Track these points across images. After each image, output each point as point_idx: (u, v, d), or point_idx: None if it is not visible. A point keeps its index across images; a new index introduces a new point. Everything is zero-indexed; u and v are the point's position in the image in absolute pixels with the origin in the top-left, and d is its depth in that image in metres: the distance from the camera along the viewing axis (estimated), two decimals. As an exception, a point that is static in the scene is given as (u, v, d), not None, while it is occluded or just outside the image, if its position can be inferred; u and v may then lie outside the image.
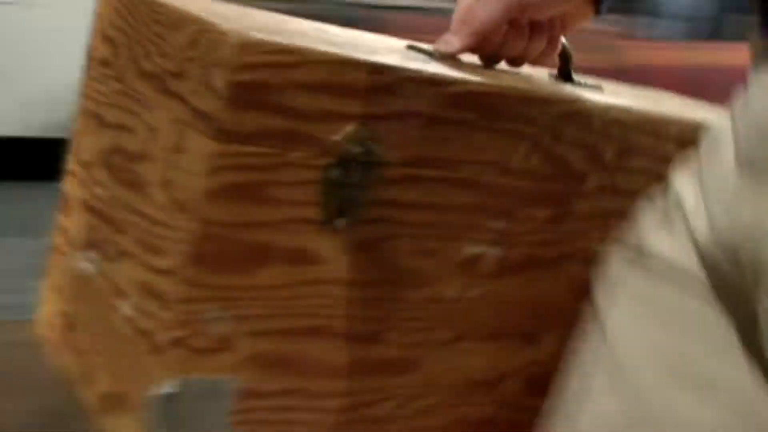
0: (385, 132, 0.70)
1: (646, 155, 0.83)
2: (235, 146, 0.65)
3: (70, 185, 0.83)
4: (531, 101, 0.76)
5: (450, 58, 0.81)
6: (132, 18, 0.76)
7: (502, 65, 0.85)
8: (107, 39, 0.80)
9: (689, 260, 0.69)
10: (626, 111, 0.81)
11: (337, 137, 0.68)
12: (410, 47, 0.83)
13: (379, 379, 0.75)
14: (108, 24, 0.80)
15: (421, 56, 0.79)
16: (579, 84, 0.90)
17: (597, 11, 0.86)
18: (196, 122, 0.66)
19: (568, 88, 0.83)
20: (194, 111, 0.67)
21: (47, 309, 0.85)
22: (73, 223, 0.82)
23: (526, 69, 0.86)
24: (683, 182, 0.72)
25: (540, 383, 0.83)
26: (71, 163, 0.83)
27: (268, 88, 0.65)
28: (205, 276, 0.66)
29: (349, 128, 0.69)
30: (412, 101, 0.71)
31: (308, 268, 0.70)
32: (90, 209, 0.79)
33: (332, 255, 0.71)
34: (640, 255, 0.72)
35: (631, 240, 0.74)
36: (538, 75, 0.88)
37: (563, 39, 0.89)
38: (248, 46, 0.64)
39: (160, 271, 0.68)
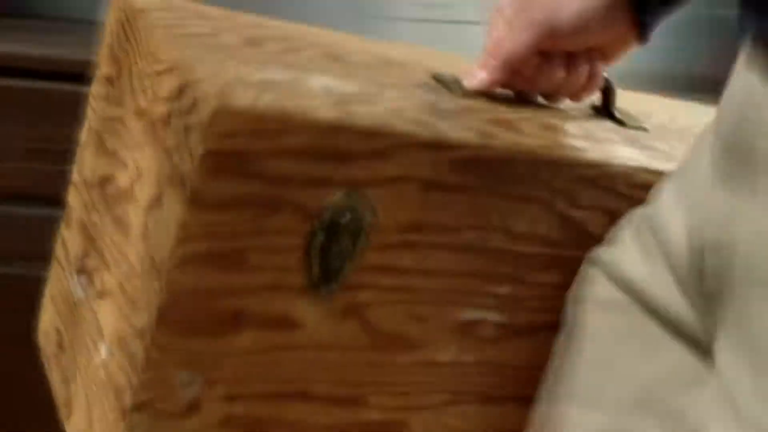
0: (378, 197, 0.66)
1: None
2: (209, 215, 0.62)
3: (72, 198, 0.81)
4: (542, 164, 0.71)
5: (478, 94, 0.76)
6: (135, 45, 0.73)
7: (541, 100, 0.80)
8: (113, 58, 0.76)
9: (660, 284, 0.67)
10: (656, 173, 0.76)
11: (323, 204, 0.65)
12: (436, 78, 0.78)
13: (362, 442, 0.73)
14: (116, 41, 0.77)
15: (444, 94, 0.74)
16: (621, 123, 0.84)
17: (641, 38, 0.79)
18: (175, 182, 0.63)
19: (597, 144, 0.77)
20: (174, 169, 0.63)
21: (46, 318, 0.83)
22: (71, 238, 0.80)
23: (568, 103, 0.81)
24: (663, 191, 0.70)
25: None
26: (75, 176, 0.81)
27: (249, 155, 0.62)
28: (174, 340, 0.64)
29: (337, 194, 0.65)
30: (409, 167, 0.66)
31: (287, 333, 0.67)
32: (85, 232, 0.77)
33: (314, 320, 0.68)
34: (612, 275, 0.71)
35: (604, 257, 0.72)
36: (577, 112, 0.82)
37: (605, 72, 0.83)
38: (228, 113, 0.60)
39: (133, 328, 0.66)
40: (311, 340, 0.68)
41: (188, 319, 0.64)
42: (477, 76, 0.78)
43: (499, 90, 0.79)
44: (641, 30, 0.78)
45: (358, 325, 0.69)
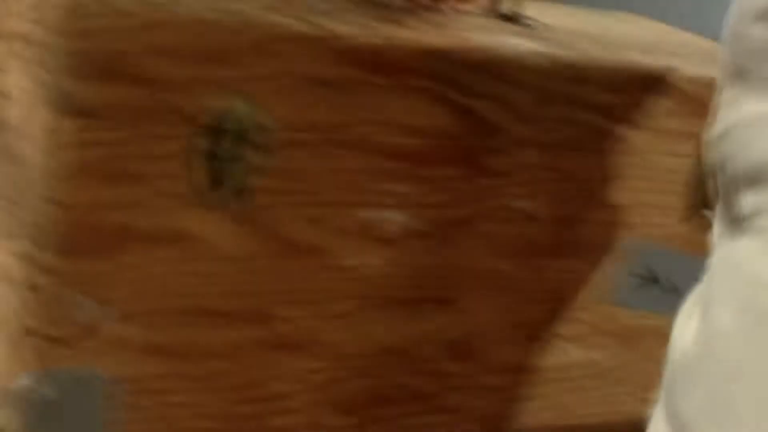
0: (260, 96, 0.64)
1: (567, 103, 0.76)
2: (82, 121, 0.59)
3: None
4: (428, 53, 0.69)
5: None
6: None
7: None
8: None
9: None
10: (544, 57, 0.74)
11: (202, 106, 0.62)
12: None
13: (273, 357, 0.70)
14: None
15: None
16: (510, 20, 0.83)
17: None
18: (41, 94, 0.60)
19: (484, 34, 0.76)
20: (39, 81, 0.61)
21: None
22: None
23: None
24: None
25: (461, 347, 0.79)
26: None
27: (115, 55, 0.59)
28: (60, 261, 0.61)
29: (217, 95, 0.62)
30: (289, 62, 0.64)
31: (179, 246, 0.65)
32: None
33: (207, 230, 0.65)
34: None
35: None
36: (464, 14, 0.80)
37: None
38: (85, 9, 0.58)
39: (17, 254, 0.63)
40: (206, 251, 0.66)
41: (72, 238, 0.61)
42: None
43: None
44: None
45: (256, 232, 0.67)
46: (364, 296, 0.73)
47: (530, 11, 0.91)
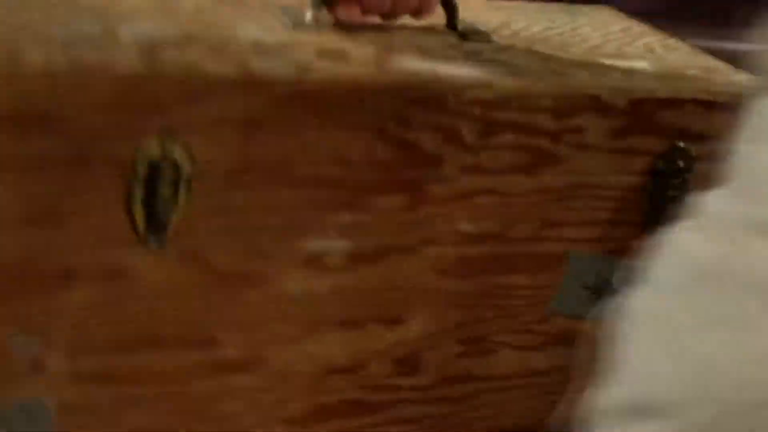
0: (196, 143, 0.66)
1: (513, 131, 0.78)
2: (18, 177, 0.62)
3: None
4: (367, 92, 0.71)
5: (316, 26, 0.76)
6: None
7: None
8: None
9: None
10: (488, 87, 0.76)
11: (137, 155, 0.65)
12: (271, 11, 0.78)
13: (220, 379, 0.74)
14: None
15: (275, 28, 0.74)
16: (464, 37, 0.84)
17: None
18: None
19: (428, 62, 0.77)
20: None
21: None
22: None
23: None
24: None
25: (408, 362, 0.82)
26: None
27: (50, 114, 0.62)
28: (3, 303, 0.65)
29: (151, 144, 0.65)
30: (224, 109, 0.67)
31: (122, 285, 0.68)
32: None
33: (148, 269, 0.68)
34: None
35: None
36: (421, 31, 0.82)
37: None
38: (18, 75, 0.60)
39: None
40: (149, 289, 0.69)
41: (15, 281, 0.64)
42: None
43: (342, 19, 0.79)
44: None
45: (197, 269, 0.70)
46: (309, 320, 0.76)
47: (497, 13, 0.93)
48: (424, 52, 0.79)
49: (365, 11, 0.80)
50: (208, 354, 0.73)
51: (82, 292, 0.66)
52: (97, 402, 0.70)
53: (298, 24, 0.77)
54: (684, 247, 0.51)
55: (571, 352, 0.88)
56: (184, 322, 0.71)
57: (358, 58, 0.74)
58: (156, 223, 0.67)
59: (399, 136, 0.73)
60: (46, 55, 0.62)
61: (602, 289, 0.87)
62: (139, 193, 0.66)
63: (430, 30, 0.84)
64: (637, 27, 0.99)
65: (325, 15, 0.79)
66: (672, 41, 0.97)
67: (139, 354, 0.70)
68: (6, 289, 0.64)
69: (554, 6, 1.02)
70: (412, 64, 0.76)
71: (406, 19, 0.82)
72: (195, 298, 0.71)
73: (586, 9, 1.03)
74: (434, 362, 0.83)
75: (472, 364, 0.84)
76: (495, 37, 0.85)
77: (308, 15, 0.78)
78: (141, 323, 0.69)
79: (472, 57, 0.80)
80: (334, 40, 0.76)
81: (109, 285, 0.67)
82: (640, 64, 0.88)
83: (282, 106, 0.68)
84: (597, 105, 0.80)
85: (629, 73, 0.85)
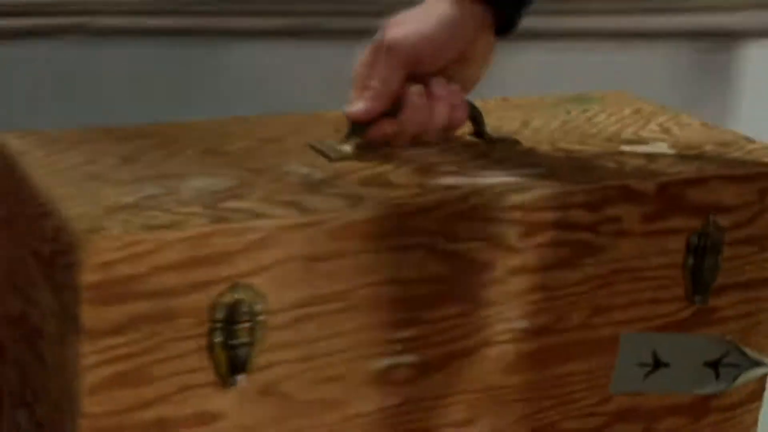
0: (265, 284, 0.71)
1: (553, 228, 0.82)
2: (105, 341, 0.67)
3: (2, 333, 0.86)
4: (414, 214, 0.76)
5: (355, 155, 0.81)
6: (18, 188, 0.77)
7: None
8: (4, 201, 0.81)
9: None
10: (524, 191, 0.80)
11: (213, 303, 0.69)
12: (313, 148, 0.84)
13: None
14: (2, 185, 0.81)
15: (317, 163, 0.79)
16: (492, 143, 0.89)
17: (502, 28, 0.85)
18: (68, 317, 0.68)
19: (463, 177, 0.82)
20: (65, 305, 0.68)
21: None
22: (6, 372, 0.85)
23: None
24: None
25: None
26: (1, 312, 0.86)
27: (130, 279, 0.66)
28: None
29: (225, 292, 0.70)
30: (287, 249, 0.71)
31: (211, 426, 0.72)
32: (18, 366, 0.82)
33: (232, 407, 0.72)
34: None
35: None
36: (450, 144, 0.87)
37: (469, 101, 0.88)
38: (99, 247, 0.65)
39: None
40: (235, 425, 0.73)
41: (114, 436, 0.68)
42: (357, 105, 0.83)
43: (377, 144, 0.84)
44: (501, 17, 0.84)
45: (276, 401, 0.74)
46: (384, 434, 0.80)
47: (515, 113, 0.98)
48: (460, 165, 0.83)
49: (401, 132, 0.85)
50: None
51: (173, 438, 0.70)
52: None
53: (336, 156, 0.82)
54: None
55: (632, 427, 0.92)
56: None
57: (399, 181, 0.79)
58: (237, 364, 0.71)
59: (448, 249, 0.78)
60: (123, 224, 0.67)
61: (657, 363, 0.90)
62: (219, 339, 0.70)
63: (459, 140, 0.89)
64: (647, 107, 1.04)
65: (360, 142, 0.84)
66: (683, 117, 1.02)
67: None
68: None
69: (566, 96, 1.07)
70: (451, 180, 0.81)
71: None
72: (276, 427, 0.74)
73: (596, 94, 1.08)
74: (507, 456, 0.86)
75: (544, 453, 0.88)
76: (520, 139, 0.91)
77: (345, 146, 0.83)
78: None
79: (504, 163, 0.85)
80: (374, 166, 0.81)
81: (199, 427, 0.71)
82: (660, 147, 0.92)
83: (336, 238, 0.73)
84: (627, 193, 0.85)
85: (652, 158, 0.89)
